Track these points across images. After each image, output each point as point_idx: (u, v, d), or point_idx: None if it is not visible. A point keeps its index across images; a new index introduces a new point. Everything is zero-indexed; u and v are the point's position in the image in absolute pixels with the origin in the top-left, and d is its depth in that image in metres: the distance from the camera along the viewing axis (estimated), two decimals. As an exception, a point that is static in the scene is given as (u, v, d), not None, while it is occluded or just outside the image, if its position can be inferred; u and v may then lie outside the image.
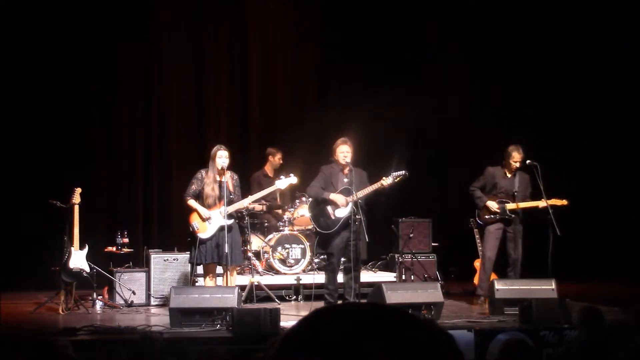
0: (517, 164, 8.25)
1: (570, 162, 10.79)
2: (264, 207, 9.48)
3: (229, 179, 7.68)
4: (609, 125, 10.91)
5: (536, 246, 8.40)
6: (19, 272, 9.47)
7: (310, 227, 9.39)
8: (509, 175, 8.37)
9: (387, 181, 7.57)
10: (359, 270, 7.72)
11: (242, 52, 10.99)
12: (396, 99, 10.52)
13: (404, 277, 9.29)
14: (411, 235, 9.59)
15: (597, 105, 10.89)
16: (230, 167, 7.76)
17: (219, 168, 7.62)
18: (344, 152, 7.64)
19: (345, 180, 7.68)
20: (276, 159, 9.80)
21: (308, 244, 9.05)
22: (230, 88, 10.97)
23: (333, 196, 7.59)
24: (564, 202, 8.25)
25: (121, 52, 10.44)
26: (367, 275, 9.10)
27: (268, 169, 9.79)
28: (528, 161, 8.13)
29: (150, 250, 8.80)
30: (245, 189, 8.31)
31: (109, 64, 10.35)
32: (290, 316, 7.40)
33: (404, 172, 7.65)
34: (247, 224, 8.74)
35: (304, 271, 9.04)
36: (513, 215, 8.30)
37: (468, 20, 11.23)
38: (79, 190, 8.11)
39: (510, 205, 8.28)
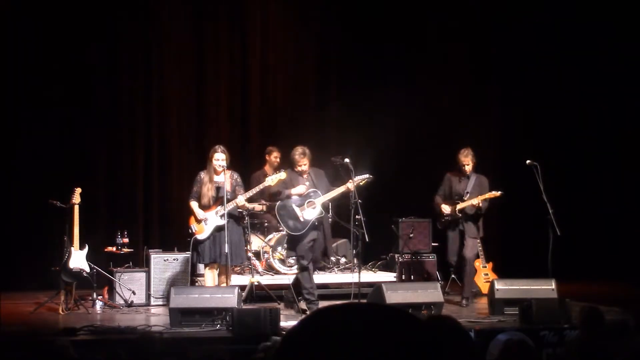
0: (464, 167, 8.41)
1: (570, 162, 10.79)
2: (264, 207, 9.47)
3: (227, 178, 7.70)
4: (609, 124, 10.90)
5: (536, 246, 8.40)
6: (19, 272, 9.48)
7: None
8: (462, 178, 8.48)
9: (351, 185, 7.74)
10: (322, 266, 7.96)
11: (242, 52, 10.98)
12: (396, 98, 10.52)
13: (404, 277, 9.28)
14: (411, 235, 9.58)
15: (598, 105, 10.89)
16: (230, 167, 7.79)
17: (216, 169, 7.67)
18: (301, 165, 7.80)
19: (307, 183, 7.85)
20: (272, 157, 9.76)
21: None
22: (231, 88, 10.96)
23: (294, 190, 7.77)
24: (497, 193, 8.34)
25: (121, 51, 10.43)
26: (367, 275, 9.10)
27: (268, 169, 9.78)
28: (528, 161, 8.14)
29: (150, 250, 8.80)
30: (246, 188, 8.28)
31: (109, 63, 10.35)
32: (290, 316, 7.40)
33: (367, 175, 7.86)
34: (247, 224, 8.74)
35: (304, 271, 9.02)
36: (460, 215, 8.40)
37: (469, 19, 11.23)
38: (79, 190, 8.11)
39: (460, 206, 8.38)
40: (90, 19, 10.15)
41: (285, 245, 8.63)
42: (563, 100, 10.99)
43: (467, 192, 8.42)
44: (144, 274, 8.50)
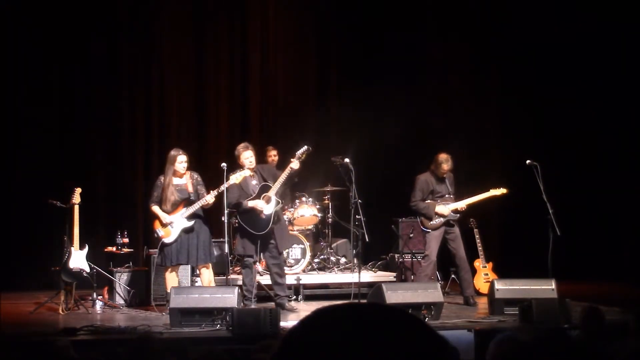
0: (445, 175, 8.37)
1: (570, 162, 10.78)
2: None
3: (187, 180, 7.75)
4: (609, 124, 10.90)
5: (536, 246, 8.40)
6: (19, 272, 9.48)
7: (310, 227, 9.40)
8: (440, 179, 8.43)
9: (295, 164, 7.67)
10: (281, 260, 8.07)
11: (242, 52, 10.98)
12: (396, 98, 10.52)
13: (403, 277, 9.28)
14: (411, 235, 9.58)
15: (598, 105, 10.88)
16: (190, 167, 7.82)
17: (180, 171, 7.72)
18: (248, 157, 7.79)
19: (254, 182, 7.83)
20: (271, 155, 9.69)
21: (308, 244, 9.06)
22: (230, 88, 10.96)
23: (252, 203, 7.72)
24: (504, 191, 8.45)
25: (121, 52, 10.44)
26: (367, 275, 9.10)
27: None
28: (528, 161, 8.13)
29: (150, 250, 8.79)
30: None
31: (109, 63, 10.35)
32: (290, 316, 7.41)
33: (306, 147, 7.75)
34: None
35: (304, 271, 9.03)
36: (457, 215, 8.40)
37: (469, 19, 11.23)
38: (79, 190, 8.11)
39: (453, 206, 8.34)
40: (90, 18, 10.15)
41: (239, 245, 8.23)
42: (563, 100, 10.98)
43: (450, 193, 8.42)
44: (144, 274, 8.51)
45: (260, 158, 9.87)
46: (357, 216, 7.76)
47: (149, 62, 10.58)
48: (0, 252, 9.17)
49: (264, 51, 11.05)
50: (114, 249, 8.74)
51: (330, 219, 9.57)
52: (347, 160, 7.81)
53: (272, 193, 7.76)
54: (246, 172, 7.69)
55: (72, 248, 7.97)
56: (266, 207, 7.74)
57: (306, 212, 9.17)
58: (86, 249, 8.07)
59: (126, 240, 8.80)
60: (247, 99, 11.01)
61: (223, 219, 7.86)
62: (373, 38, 11.14)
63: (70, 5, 10.08)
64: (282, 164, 9.00)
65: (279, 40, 11.17)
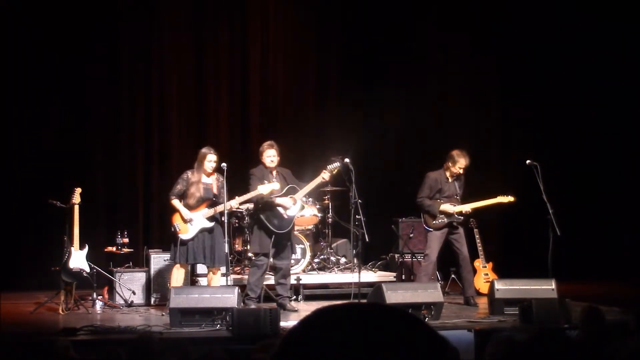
0: (462, 171, 8.30)
1: (570, 162, 10.79)
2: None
3: (214, 181, 7.75)
4: (609, 124, 10.90)
5: (536, 246, 8.40)
6: (19, 272, 9.49)
7: (310, 227, 9.40)
8: (450, 180, 8.38)
9: (326, 175, 7.76)
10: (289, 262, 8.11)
11: (242, 52, 10.98)
12: (396, 98, 10.52)
13: (404, 277, 9.29)
14: (411, 235, 9.58)
15: (598, 105, 10.89)
16: (217, 169, 7.82)
17: (207, 171, 7.71)
18: (270, 156, 7.81)
19: (274, 180, 7.81)
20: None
21: (308, 244, 9.06)
22: (231, 88, 10.96)
23: (280, 200, 7.74)
24: (511, 199, 8.40)
25: (121, 51, 10.43)
26: (367, 275, 9.10)
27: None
28: (528, 161, 8.13)
29: (150, 250, 8.80)
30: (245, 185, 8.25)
31: (109, 63, 10.35)
32: (290, 316, 7.41)
33: (337, 163, 7.81)
34: (247, 224, 8.73)
35: (304, 271, 9.04)
36: (462, 217, 8.36)
37: (469, 19, 11.23)
38: (79, 190, 8.11)
39: (459, 208, 8.30)
40: (90, 18, 10.15)
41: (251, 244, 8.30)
42: (563, 100, 10.99)
43: (457, 194, 8.40)
44: (144, 274, 8.51)
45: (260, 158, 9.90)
46: (357, 216, 7.76)
47: (149, 62, 10.58)
48: (0, 252, 9.17)
49: (264, 51, 11.05)
50: (114, 249, 8.74)
51: (330, 219, 9.57)
52: (347, 160, 7.81)
53: (298, 197, 7.84)
54: (275, 186, 7.69)
55: (72, 248, 7.98)
56: (292, 207, 7.79)
57: (306, 212, 9.16)
58: (86, 249, 8.07)
59: (126, 240, 8.80)
60: (247, 99, 11.00)
61: (223, 219, 7.86)
62: (373, 38, 11.14)
63: (71, 5, 10.08)
64: (286, 165, 9.01)
65: (279, 40, 11.16)
